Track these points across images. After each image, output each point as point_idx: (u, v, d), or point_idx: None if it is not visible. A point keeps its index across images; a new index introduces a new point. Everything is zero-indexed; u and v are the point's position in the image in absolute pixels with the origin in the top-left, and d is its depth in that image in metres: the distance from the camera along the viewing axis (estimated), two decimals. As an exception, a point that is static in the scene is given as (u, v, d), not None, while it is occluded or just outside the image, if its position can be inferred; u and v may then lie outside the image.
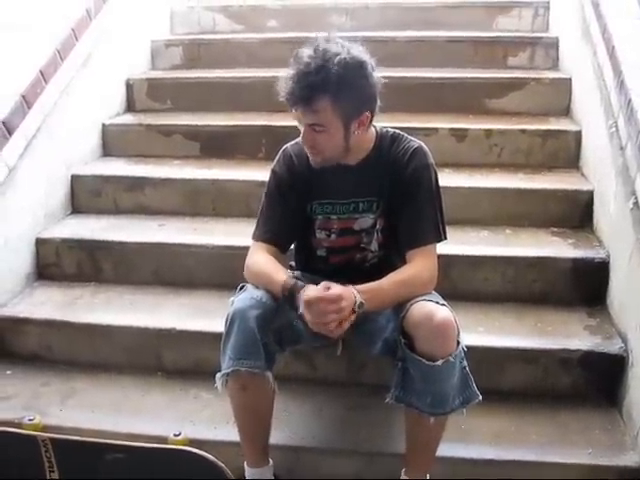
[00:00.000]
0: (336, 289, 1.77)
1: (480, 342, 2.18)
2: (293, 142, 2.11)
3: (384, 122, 3.19)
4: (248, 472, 2.01)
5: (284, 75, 1.85)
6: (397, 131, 2.07)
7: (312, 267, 2.12)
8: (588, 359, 2.30)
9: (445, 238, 2.01)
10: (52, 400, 2.39)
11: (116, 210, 3.16)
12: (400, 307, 1.87)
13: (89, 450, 1.92)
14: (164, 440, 2.02)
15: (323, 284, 1.80)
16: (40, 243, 2.93)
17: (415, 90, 3.49)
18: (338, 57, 1.81)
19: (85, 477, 1.95)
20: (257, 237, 2.06)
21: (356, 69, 1.85)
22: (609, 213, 2.64)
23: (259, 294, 1.91)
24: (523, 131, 3.22)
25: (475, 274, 2.59)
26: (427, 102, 3.45)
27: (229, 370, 1.86)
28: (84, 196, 3.22)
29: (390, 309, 1.92)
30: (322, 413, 2.26)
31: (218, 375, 1.90)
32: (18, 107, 2.77)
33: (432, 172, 2.00)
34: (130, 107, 3.82)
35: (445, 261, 2.55)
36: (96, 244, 2.89)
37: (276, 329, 1.90)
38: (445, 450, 1.97)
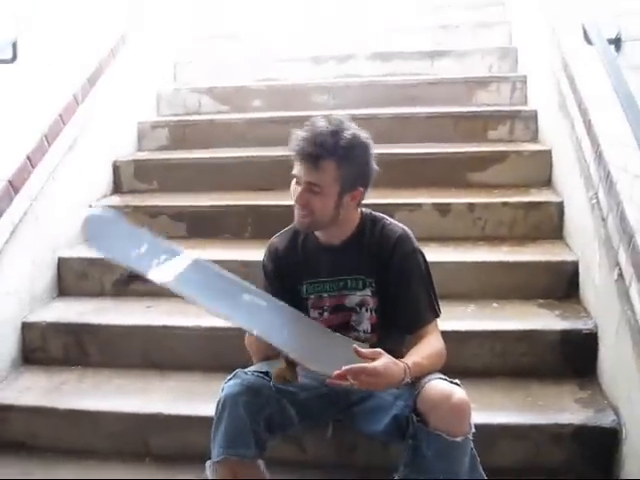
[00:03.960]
0: (380, 362, 1.75)
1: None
2: (277, 234, 2.19)
3: (369, 198, 3.24)
4: None
5: (297, 132, 1.96)
6: (377, 213, 2.14)
7: None
8: (581, 433, 2.27)
9: (440, 314, 2.08)
10: (35, 491, 2.34)
11: (103, 292, 3.15)
12: (412, 384, 1.87)
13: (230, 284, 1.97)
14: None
15: (374, 351, 1.79)
16: (26, 327, 2.91)
17: (398, 166, 3.53)
18: (351, 130, 1.95)
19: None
20: None
21: (363, 146, 1.97)
22: (594, 284, 2.65)
23: (250, 380, 1.91)
24: (505, 204, 3.26)
25: (463, 349, 2.58)
26: (410, 177, 3.50)
27: (219, 459, 1.85)
28: (71, 279, 3.22)
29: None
30: (313, 497, 2.22)
31: (208, 463, 1.89)
32: (5, 192, 2.79)
33: (420, 256, 2.07)
34: (117, 188, 3.85)
35: (433, 337, 2.57)
36: (83, 327, 2.88)
37: (267, 415, 1.90)
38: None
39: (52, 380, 2.75)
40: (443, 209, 3.26)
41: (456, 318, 2.65)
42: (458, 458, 1.81)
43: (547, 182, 3.51)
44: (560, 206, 3.21)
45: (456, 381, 1.88)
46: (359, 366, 1.72)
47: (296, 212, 2.01)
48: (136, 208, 3.53)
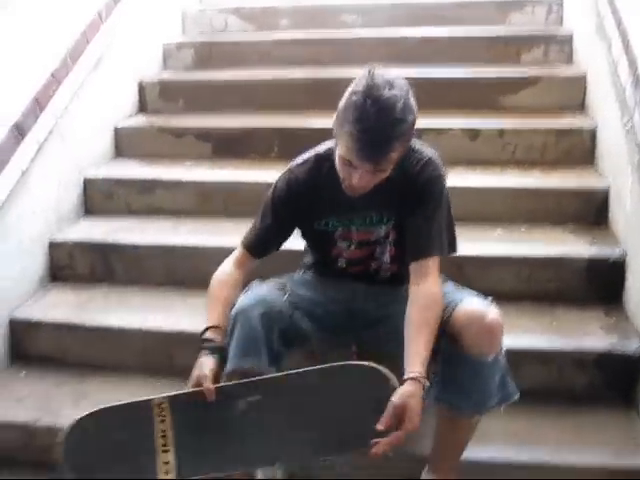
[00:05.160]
0: (412, 421, 1.65)
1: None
2: (298, 163, 2.03)
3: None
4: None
5: (346, 130, 1.72)
6: None
7: (330, 275, 2.10)
8: (604, 360, 2.27)
9: (449, 253, 1.98)
10: (65, 401, 2.39)
11: (128, 212, 3.17)
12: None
13: (216, 403, 1.78)
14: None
15: (393, 409, 1.65)
16: (53, 246, 2.94)
17: (427, 88, 3.36)
18: (396, 103, 1.69)
19: (209, 445, 1.80)
20: (241, 241, 2.07)
21: (409, 107, 1.74)
22: (625, 211, 2.61)
23: (263, 293, 1.92)
24: (537, 128, 3.18)
25: (489, 273, 2.57)
26: (439, 100, 3.38)
27: (231, 369, 1.85)
28: (97, 199, 3.23)
29: None
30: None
31: (222, 374, 1.89)
32: (30, 110, 2.78)
33: (442, 184, 1.93)
34: (142, 108, 3.82)
35: (458, 260, 2.54)
36: (109, 246, 2.90)
37: (281, 329, 1.89)
38: (462, 452, 1.95)
39: (79, 297, 2.79)
40: (472, 133, 3.18)
41: (482, 241, 2.64)
42: (488, 377, 1.81)
43: (580, 107, 3.42)
44: (593, 132, 3.13)
45: (488, 299, 1.87)
46: (392, 439, 1.64)
47: (347, 185, 1.85)
48: (161, 128, 3.52)
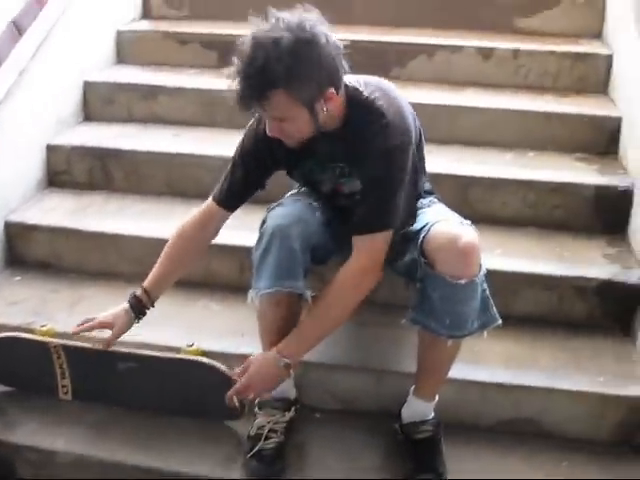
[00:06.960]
0: (247, 378, 1.80)
1: (496, 265, 2.12)
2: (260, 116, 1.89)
3: (411, 36, 3.11)
4: None
5: (230, 72, 1.65)
6: (365, 95, 1.78)
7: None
8: (605, 288, 2.24)
9: (403, 228, 1.86)
10: (60, 306, 2.38)
11: (129, 118, 3.09)
12: (420, 228, 1.83)
13: (101, 358, 2.05)
14: (176, 350, 2.02)
15: (244, 367, 1.83)
16: (51, 150, 2.88)
17: (442, 5, 3.37)
18: (282, 43, 1.58)
19: (97, 385, 2.08)
20: (212, 195, 2.00)
21: (305, 49, 1.60)
22: (636, 141, 2.55)
23: (297, 210, 1.85)
24: (552, 52, 3.10)
25: (494, 197, 2.53)
26: (454, 18, 3.34)
27: (270, 290, 1.81)
28: (97, 103, 3.15)
29: (410, 228, 1.86)
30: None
31: (253, 293, 1.87)
32: (29, 6, 2.69)
33: (398, 155, 1.77)
34: (146, 13, 3.72)
35: (464, 182, 2.54)
36: (108, 152, 2.84)
37: (313, 247, 1.84)
38: (455, 372, 1.94)
39: (76, 203, 2.75)
40: (486, 53, 3.11)
41: (489, 164, 2.60)
42: (463, 300, 1.75)
43: (598, 34, 3.33)
44: (609, 59, 3.05)
45: (466, 222, 1.82)
46: (234, 391, 1.82)
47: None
48: (165, 34, 3.42)
